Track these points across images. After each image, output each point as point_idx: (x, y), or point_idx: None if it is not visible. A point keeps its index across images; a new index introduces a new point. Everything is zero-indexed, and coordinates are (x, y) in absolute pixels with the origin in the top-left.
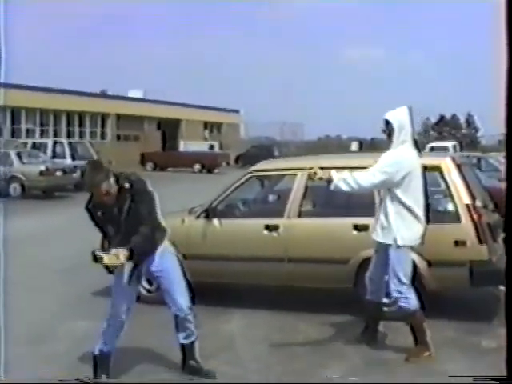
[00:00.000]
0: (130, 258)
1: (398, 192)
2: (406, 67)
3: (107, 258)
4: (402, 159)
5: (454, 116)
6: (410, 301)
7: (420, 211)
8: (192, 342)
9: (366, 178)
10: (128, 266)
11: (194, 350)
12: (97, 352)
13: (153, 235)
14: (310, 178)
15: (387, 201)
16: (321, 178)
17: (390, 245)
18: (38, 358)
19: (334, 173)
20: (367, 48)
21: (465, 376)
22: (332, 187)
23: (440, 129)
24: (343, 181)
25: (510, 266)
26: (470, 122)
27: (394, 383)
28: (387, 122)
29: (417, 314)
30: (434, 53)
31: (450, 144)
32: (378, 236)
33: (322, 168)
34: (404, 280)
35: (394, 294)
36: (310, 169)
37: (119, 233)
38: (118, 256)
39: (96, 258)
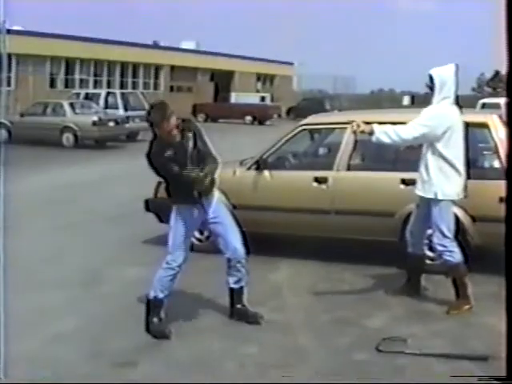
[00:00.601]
0: (212, 180)
1: (439, 146)
2: (461, 20)
3: (195, 174)
4: (443, 114)
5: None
6: (454, 254)
7: (461, 166)
8: (241, 287)
9: (407, 131)
10: (186, 217)
11: (243, 295)
12: (151, 297)
13: (217, 164)
14: (352, 131)
15: (428, 155)
16: (363, 131)
17: (431, 199)
18: (92, 299)
19: (375, 126)
20: (419, 1)
21: (466, 376)
22: (374, 139)
23: (495, 84)
24: (384, 133)
25: (510, 265)
26: None
27: (396, 383)
28: (431, 78)
29: (460, 268)
30: (490, 6)
31: (502, 100)
32: (420, 190)
33: (368, 123)
34: (447, 234)
35: (439, 248)
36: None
37: (186, 170)
38: (206, 174)
39: (178, 171)
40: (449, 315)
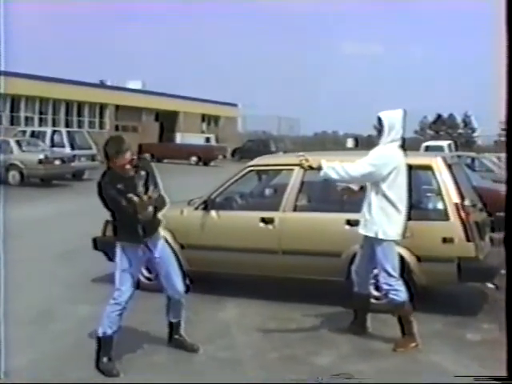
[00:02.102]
0: (154, 207)
1: (384, 186)
2: (405, 65)
3: (138, 201)
4: (389, 155)
5: (451, 115)
6: (400, 293)
7: (403, 207)
8: (179, 321)
9: (354, 168)
10: (131, 254)
11: (180, 327)
12: (100, 334)
13: (164, 202)
14: (300, 165)
15: (372, 195)
16: (310, 166)
17: (374, 239)
18: (43, 336)
19: (323, 161)
20: (366, 44)
21: (466, 376)
22: (322, 174)
23: (437, 128)
24: (332, 169)
25: (510, 265)
26: (466, 121)
27: (396, 383)
28: (379, 120)
29: (405, 306)
30: (432, 51)
31: (445, 143)
32: (362, 229)
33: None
34: (392, 273)
35: (385, 287)
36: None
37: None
38: (150, 197)
39: (126, 204)
40: (395, 353)
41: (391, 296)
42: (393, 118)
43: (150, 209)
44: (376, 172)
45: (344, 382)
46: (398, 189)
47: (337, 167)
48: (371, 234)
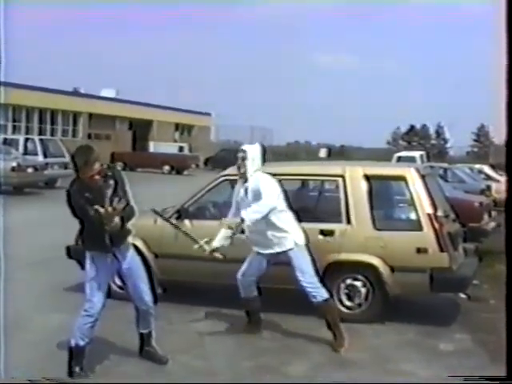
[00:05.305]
0: (121, 218)
1: (281, 205)
2: (379, 76)
3: (104, 211)
4: (271, 179)
5: (424, 126)
6: (321, 291)
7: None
8: (150, 332)
9: (267, 202)
10: (100, 264)
11: (151, 338)
12: (72, 345)
13: (133, 212)
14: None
15: (272, 217)
16: (230, 227)
17: (289, 249)
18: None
19: (243, 213)
20: (340, 55)
21: (466, 376)
22: (249, 223)
23: (409, 138)
24: (252, 212)
25: (510, 263)
26: (439, 132)
27: (395, 383)
28: (243, 151)
29: (329, 302)
30: (407, 62)
31: (417, 154)
32: (277, 247)
33: (290, 174)
34: (313, 274)
35: (308, 288)
36: (279, 174)
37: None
38: (115, 208)
39: (94, 214)
40: (368, 362)
41: (314, 294)
42: (254, 150)
43: (117, 220)
44: (279, 197)
45: (344, 382)
46: (285, 202)
47: (254, 208)
48: (292, 246)
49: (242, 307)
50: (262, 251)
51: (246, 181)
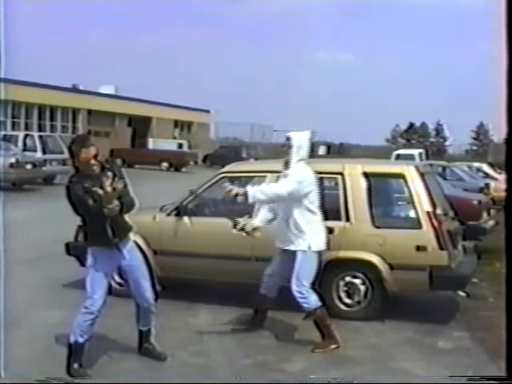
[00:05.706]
0: (121, 204)
1: (306, 202)
2: (378, 73)
3: (103, 192)
4: (307, 173)
5: (423, 124)
6: (310, 300)
7: (321, 219)
8: (149, 329)
9: (280, 187)
10: (102, 260)
11: (150, 336)
12: (72, 341)
13: (133, 202)
14: (227, 193)
15: (295, 212)
16: (237, 194)
17: (299, 251)
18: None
19: (249, 187)
20: (339, 52)
21: (466, 376)
22: (250, 199)
23: (409, 136)
24: (260, 191)
25: (510, 263)
26: (438, 130)
27: (394, 383)
28: (288, 139)
29: (317, 312)
30: (406, 60)
31: (416, 152)
32: (292, 245)
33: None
34: (305, 283)
35: (296, 294)
36: (278, 172)
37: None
38: (114, 188)
39: (93, 203)
40: (367, 360)
41: (301, 303)
42: (301, 139)
43: (116, 202)
44: (299, 188)
45: (344, 381)
46: (316, 203)
47: (263, 188)
48: (304, 248)
49: (255, 304)
50: (282, 247)
51: (287, 169)
